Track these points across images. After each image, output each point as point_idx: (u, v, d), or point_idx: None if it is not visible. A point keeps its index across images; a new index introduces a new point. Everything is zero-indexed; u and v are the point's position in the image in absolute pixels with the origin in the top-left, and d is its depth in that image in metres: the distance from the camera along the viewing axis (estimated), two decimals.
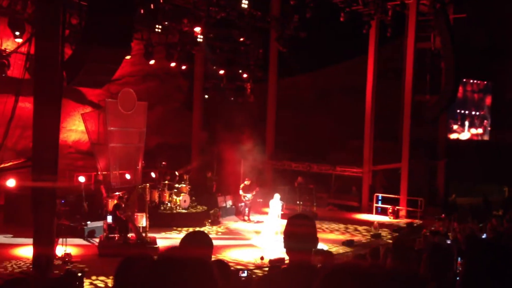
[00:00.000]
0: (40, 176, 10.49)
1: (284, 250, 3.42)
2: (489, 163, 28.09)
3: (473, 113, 30.42)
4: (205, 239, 3.66)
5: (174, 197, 20.26)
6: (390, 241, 17.10)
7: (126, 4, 10.37)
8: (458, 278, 4.78)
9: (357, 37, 24.19)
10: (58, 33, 10.59)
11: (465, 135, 29.71)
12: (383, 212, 23.30)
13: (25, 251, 14.54)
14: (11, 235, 16.58)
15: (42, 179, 10.41)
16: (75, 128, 23.67)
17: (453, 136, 28.85)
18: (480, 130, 30.80)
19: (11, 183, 12.94)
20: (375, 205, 23.73)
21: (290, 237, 3.36)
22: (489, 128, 30.91)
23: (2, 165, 12.20)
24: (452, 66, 23.30)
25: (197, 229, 16.16)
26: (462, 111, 29.47)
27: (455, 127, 29.02)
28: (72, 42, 16.10)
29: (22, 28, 15.92)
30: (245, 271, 9.55)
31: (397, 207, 23.01)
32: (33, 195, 10.90)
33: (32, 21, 15.23)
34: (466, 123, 29.83)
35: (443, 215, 19.29)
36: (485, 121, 31.02)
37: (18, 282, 8.74)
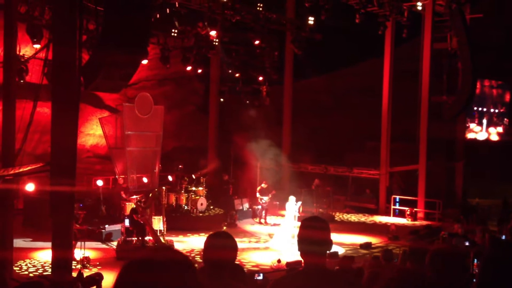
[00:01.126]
0: (58, 180, 10.57)
1: (299, 252, 3.42)
2: (508, 164, 27.74)
3: (492, 110, 29.87)
4: (229, 242, 3.56)
5: (191, 200, 20.33)
6: (408, 244, 16.97)
7: (143, 9, 10.45)
8: (474, 280, 4.74)
9: (372, 39, 24.09)
10: (75, 39, 10.69)
11: (483, 135, 29.30)
12: (401, 214, 23.13)
13: (44, 254, 14.71)
14: (30, 239, 16.78)
15: (61, 183, 10.50)
16: (93, 133, 23.91)
17: (470, 135, 28.48)
18: (500, 129, 30.28)
19: (30, 187, 13.07)
20: (392, 207, 23.57)
21: (304, 240, 3.36)
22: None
23: (21, 170, 12.36)
24: (469, 66, 23.08)
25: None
26: (480, 109, 29.00)
27: (472, 125, 28.58)
28: (89, 47, 16.27)
29: (40, 34, 16.14)
30: (261, 274, 9.53)
31: (415, 209, 22.83)
32: (52, 199, 11.00)
33: (49, 27, 15.42)
34: (484, 121, 29.37)
35: (461, 216, 19.10)
36: (506, 119, 30.49)
37: (34, 285, 8.82)
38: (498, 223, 18.40)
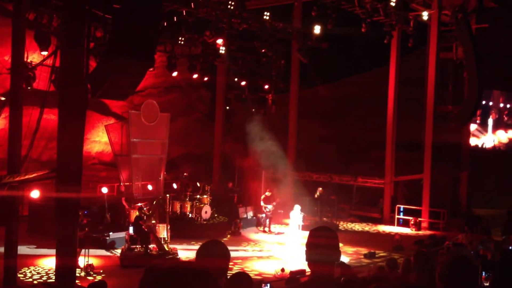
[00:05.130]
0: (64, 187, 10.61)
1: (306, 262, 3.41)
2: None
3: (501, 105, 28.05)
4: (219, 251, 3.49)
5: (196, 208, 20.33)
6: (412, 253, 16.89)
7: (151, 17, 10.50)
8: None
9: (378, 48, 24.13)
10: (83, 46, 10.76)
11: (488, 140, 28.70)
12: (405, 223, 23.05)
13: (48, 262, 14.71)
14: (35, 246, 16.78)
15: (66, 190, 10.53)
16: (98, 140, 23.97)
17: (475, 141, 27.87)
18: (510, 133, 29.33)
19: (35, 194, 13.10)
20: (396, 216, 23.50)
21: (312, 249, 3.35)
22: None
23: (27, 176, 12.39)
24: (475, 76, 23.07)
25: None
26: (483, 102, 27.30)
27: (472, 127, 27.36)
28: (96, 55, 16.35)
29: (48, 41, 16.23)
30: (268, 284, 9.49)
31: (419, 219, 22.74)
32: (57, 206, 11.04)
33: (57, 34, 15.52)
34: (490, 121, 28.39)
35: (466, 227, 19.00)
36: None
37: None
38: (502, 233, 18.31)
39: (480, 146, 28.78)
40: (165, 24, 18.07)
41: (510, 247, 12.69)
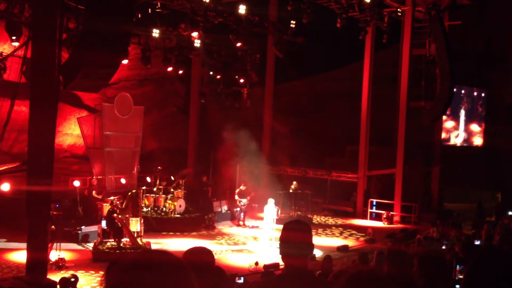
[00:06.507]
0: (35, 180, 10.45)
1: (280, 255, 3.42)
2: (483, 169, 28.19)
3: (475, 93, 27.88)
4: (203, 249, 3.66)
5: (169, 202, 20.24)
6: (385, 247, 17.11)
7: (124, 8, 10.39)
8: (458, 286, 4.80)
9: (353, 43, 24.28)
10: (55, 37, 10.58)
11: (460, 135, 29.08)
12: (378, 217, 23.33)
13: (19, 255, 14.49)
14: (5, 240, 16.52)
15: (37, 183, 10.37)
16: (70, 132, 23.62)
17: (447, 137, 28.31)
18: (476, 127, 29.72)
19: (5, 187, 12.89)
20: (369, 210, 23.77)
21: (286, 243, 3.34)
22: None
23: None
24: (447, 72, 23.40)
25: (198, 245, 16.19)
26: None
27: (447, 125, 27.73)
28: (69, 46, 16.09)
29: (19, 32, 15.92)
30: (242, 277, 9.51)
31: (391, 213, 23.04)
32: (28, 199, 10.86)
33: (29, 24, 15.23)
34: (462, 111, 28.56)
35: (437, 221, 19.32)
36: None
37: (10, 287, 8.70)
38: (472, 227, 18.69)
39: (451, 141, 29.20)
40: (139, 16, 17.90)
41: (479, 241, 12.95)
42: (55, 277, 11.42)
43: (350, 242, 18.86)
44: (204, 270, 3.34)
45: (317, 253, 16.38)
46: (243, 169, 24.35)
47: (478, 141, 30.71)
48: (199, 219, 20.43)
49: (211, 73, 24.47)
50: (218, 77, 24.44)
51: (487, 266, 2.45)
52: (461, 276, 7.13)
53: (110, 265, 2.76)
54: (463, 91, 29.24)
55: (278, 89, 27.18)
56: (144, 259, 1.79)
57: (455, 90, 24.30)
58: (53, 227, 14.20)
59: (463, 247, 8.93)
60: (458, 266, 7.27)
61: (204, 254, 3.57)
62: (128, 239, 15.89)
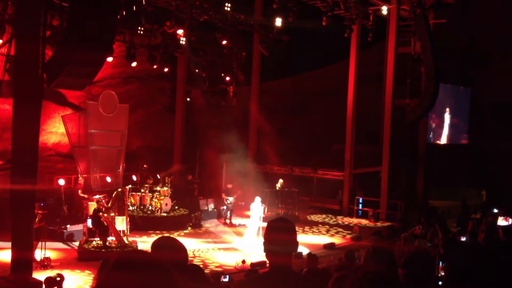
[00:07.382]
0: (19, 179, 10.36)
1: (264, 253, 3.41)
2: (467, 167, 28.43)
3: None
4: (176, 243, 3.37)
5: (155, 200, 20.17)
6: (370, 244, 17.19)
7: (108, 5, 10.31)
8: (440, 283, 4.83)
9: (339, 42, 24.35)
10: (38, 35, 10.50)
11: (444, 132, 29.23)
12: (364, 215, 23.45)
13: (3, 255, 14.34)
14: None
15: (21, 182, 10.29)
16: (55, 131, 23.43)
17: (430, 133, 28.41)
18: (461, 125, 30.00)
19: None
20: (355, 208, 23.88)
21: (270, 241, 3.34)
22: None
23: None
24: (432, 70, 23.55)
25: (166, 234, 16.12)
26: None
27: (432, 122, 28.02)
28: (53, 44, 15.97)
29: (2, 29, 15.78)
30: (227, 276, 9.51)
31: (377, 210, 23.17)
32: (12, 198, 10.77)
33: (12, 22, 15.08)
34: (447, 109, 28.76)
35: (422, 218, 19.44)
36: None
37: None
38: (457, 224, 18.85)
39: (435, 139, 29.39)
40: (124, 13, 17.77)
41: (464, 238, 13.07)
42: (41, 276, 11.34)
43: (337, 240, 18.94)
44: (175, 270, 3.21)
45: (304, 250, 16.43)
46: (230, 167, 24.33)
47: (463, 138, 30.95)
48: (185, 218, 20.38)
49: (196, 71, 24.39)
50: (204, 75, 24.36)
51: (468, 263, 2.48)
52: (443, 273, 7.20)
53: (101, 265, 2.75)
54: (447, 89, 29.42)
55: (264, 88, 27.18)
56: (130, 259, 1.80)
57: (440, 88, 24.45)
58: (43, 223, 14.12)
59: (444, 244, 9.02)
60: (440, 263, 7.33)
61: (174, 251, 3.26)
62: (114, 238, 15.82)
